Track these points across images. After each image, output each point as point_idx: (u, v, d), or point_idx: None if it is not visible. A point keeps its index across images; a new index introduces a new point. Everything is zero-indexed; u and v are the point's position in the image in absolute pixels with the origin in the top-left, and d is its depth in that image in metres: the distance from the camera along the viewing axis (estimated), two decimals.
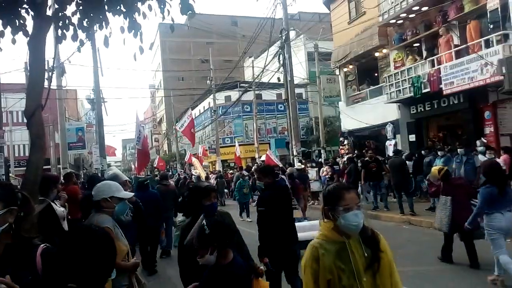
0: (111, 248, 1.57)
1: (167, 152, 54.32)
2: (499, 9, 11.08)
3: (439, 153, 10.72)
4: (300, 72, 28.67)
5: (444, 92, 12.46)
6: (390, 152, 15.56)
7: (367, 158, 12.47)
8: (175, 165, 38.92)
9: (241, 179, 14.22)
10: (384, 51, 16.42)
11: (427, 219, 9.75)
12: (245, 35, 37.95)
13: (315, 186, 14.30)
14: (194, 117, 44.25)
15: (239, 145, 32.38)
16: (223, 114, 30.42)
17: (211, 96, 32.20)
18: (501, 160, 7.96)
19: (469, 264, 5.87)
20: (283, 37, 16.08)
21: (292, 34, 30.61)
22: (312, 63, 27.50)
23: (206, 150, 29.80)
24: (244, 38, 36.66)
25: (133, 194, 3.95)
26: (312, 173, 14.78)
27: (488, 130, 11.91)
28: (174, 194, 8.85)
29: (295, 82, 19.26)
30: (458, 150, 8.40)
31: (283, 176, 7.62)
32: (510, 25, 10.86)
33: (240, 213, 12.90)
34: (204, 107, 40.03)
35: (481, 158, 8.82)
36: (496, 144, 11.37)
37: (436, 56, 13.23)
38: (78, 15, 4.06)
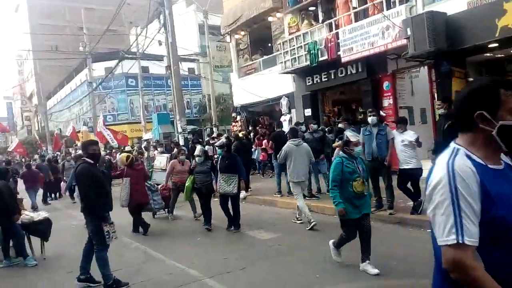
0: None
1: (40, 131, 47.07)
2: None
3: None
4: (191, 46, 26.18)
5: (343, 60, 11.18)
6: (285, 128, 14.08)
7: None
8: (45, 146, 33.25)
9: None
10: (278, 15, 14.69)
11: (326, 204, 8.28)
12: (130, 4, 33.48)
13: (158, 177, 11.09)
14: (70, 91, 38.85)
15: (125, 123, 28.70)
16: (99, 86, 26.21)
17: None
18: None
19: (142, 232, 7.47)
20: None
21: (181, 5, 27.74)
22: (203, 37, 25.11)
23: (78, 132, 25.44)
24: (130, 6, 32.37)
25: None
26: (161, 159, 11.90)
27: (387, 102, 10.96)
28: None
29: (186, 54, 16.82)
30: (370, 119, 6.73)
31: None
32: None
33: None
34: (81, 79, 34.86)
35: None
36: (395, 119, 10.43)
37: (334, 19, 11.88)
38: None
